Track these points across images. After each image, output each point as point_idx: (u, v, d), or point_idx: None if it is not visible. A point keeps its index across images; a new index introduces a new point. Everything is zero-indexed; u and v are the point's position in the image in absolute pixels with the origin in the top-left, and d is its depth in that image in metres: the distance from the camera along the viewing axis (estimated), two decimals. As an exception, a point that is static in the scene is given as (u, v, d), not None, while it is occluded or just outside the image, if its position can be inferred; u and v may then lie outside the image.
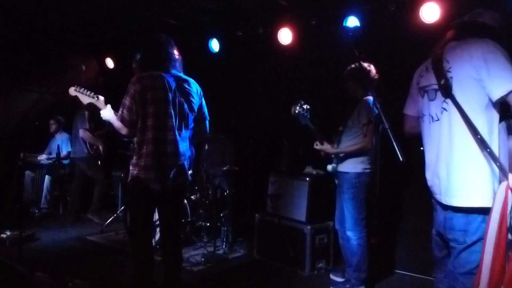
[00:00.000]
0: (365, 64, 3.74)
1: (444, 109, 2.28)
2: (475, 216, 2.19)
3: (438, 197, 2.36)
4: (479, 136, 2.11)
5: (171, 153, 3.11)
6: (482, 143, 2.11)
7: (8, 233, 5.08)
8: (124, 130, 3.10)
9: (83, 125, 6.49)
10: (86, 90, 3.23)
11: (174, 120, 3.11)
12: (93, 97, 3.21)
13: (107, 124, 3.21)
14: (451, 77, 2.24)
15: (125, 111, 3.04)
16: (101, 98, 3.21)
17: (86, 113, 6.48)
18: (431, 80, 2.38)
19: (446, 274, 2.43)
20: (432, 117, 2.37)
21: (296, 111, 3.78)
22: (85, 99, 3.23)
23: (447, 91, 2.24)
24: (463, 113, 2.17)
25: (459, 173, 2.22)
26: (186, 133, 3.24)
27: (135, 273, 3.15)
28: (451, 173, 2.24)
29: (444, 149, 2.28)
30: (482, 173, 2.17)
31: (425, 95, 2.43)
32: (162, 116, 3.08)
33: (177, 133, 3.13)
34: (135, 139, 3.14)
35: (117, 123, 3.10)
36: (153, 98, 3.04)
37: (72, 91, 3.25)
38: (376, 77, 3.86)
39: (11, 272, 3.90)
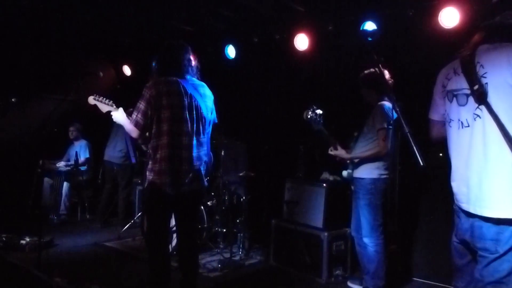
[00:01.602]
0: (379, 70, 3.72)
1: (478, 115, 2.17)
2: (507, 225, 2.11)
3: (464, 205, 2.26)
4: None
5: (186, 158, 3.11)
6: None
7: (28, 239, 5.14)
8: (135, 133, 3.11)
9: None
10: (104, 99, 3.29)
11: (189, 125, 3.12)
12: (112, 106, 3.26)
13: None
14: (486, 83, 2.13)
15: (139, 115, 3.05)
16: (120, 109, 3.25)
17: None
18: (462, 84, 2.26)
19: (467, 283, 2.36)
20: (462, 123, 2.26)
21: (309, 116, 3.78)
22: (104, 107, 3.28)
23: (481, 98, 2.13)
24: (499, 122, 2.07)
25: (493, 183, 2.12)
26: (203, 138, 3.24)
27: (151, 279, 3.15)
28: (484, 182, 2.15)
29: (476, 157, 2.18)
30: None
31: (454, 99, 2.31)
32: (177, 121, 3.08)
33: (193, 138, 3.14)
34: (150, 144, 3.16)
35: (128, 126, 3.11)
36: (168, 103, 3.05)
37: (91, 100, 3.31)
38: (390, 81, 3.82)
39: (31, 278, 3.94)
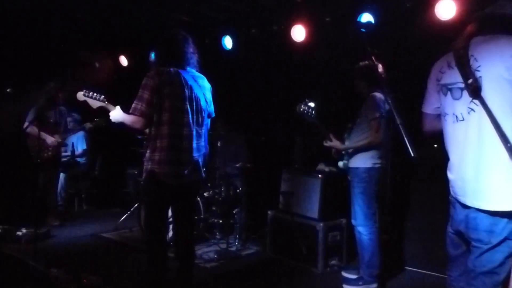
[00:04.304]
0: (372, 62, 3.73)
1: (472, 109, 2.16)
2: (501, 217, 2.12)
3: (461, 198, 2.26)
4: (509, 145, 2.02)
5: (186, 148, 3.11)
6: (511, 151, 2.02)
7: (24, 230, 5.15)
8: (140, 124, 3.03)
9: (29, 118, 5.67)
10: (95, 94, 3.20)
11: (189, 116, 3.12)
12: (104, 101, 3.20)
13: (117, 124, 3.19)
14: (480, 77, 2.11)
15: (144, 105, 2.99)
16: (117, 107, 3.18)
17: (42, 104, 5.78)
18: (456, 78, 2.23)
19: (461, 272, 2.38)
20: (456, 117, 2.24)
21: (301, 109, 3.87)
22: (95, 103, 3.21)
23: (476, 92, 2.10)
24: (493, 116, 2.06)
25: (489, 176, 2.12)
26: (201, 129, 3.26)
27: (148, 269, 3.17)
28: (480, 176, 2.14)
29: (471, 151, 2.17)
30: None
31: (448, 93, 2.29)
32: (178, 111, 3.08)
33: (193, 129, 3.15)
34: (149, 134, 3.15)
35: (130, 118, 3.04)
36: (170, 93, 3.05)
37: (81, 96, 3.21)
38: (383, 74, 3.83)
39: (27, 269, 3.95)
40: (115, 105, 3.22)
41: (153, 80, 3.03)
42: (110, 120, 3.19)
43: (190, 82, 3.17)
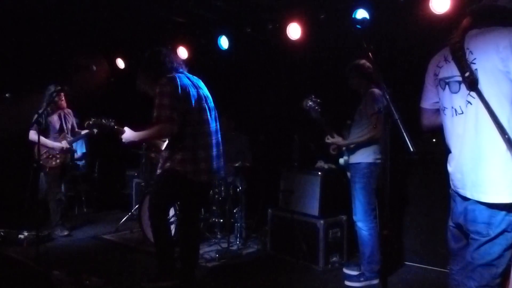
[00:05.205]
0: (369, 58, 3.75)
1: (469, 102, 2.17)
2: (499, 209, 2.13)
3: (461, 191, 2.28)
4: (506, 136, 2.04)
5: (208, 145, 3.24)
6: (509, 142, 2.04)
7: (26, 233, 5.17)
8: (167, 129, 3.06)
9: (32, 125, 5.28)
10: (103, 121, 3.25)
11: (208, 114, 3.26)
12: (113, 127, 3.24)
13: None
14: (476, 69, 2.13)
15: (167, 110, 3.03)
16: (126, 128, 3.27)
17: (43, 109, 5.31)
18: (453, 72, 2.26)
19: (463, 266, 2.38)
20: (455, 110, 2.26)
21: (308, 105, 3.87)
22: (105, 129, 3.29)
23: (472, 85, 2.12)
24: (490, 108, 2.08)
25: (487, 168, 2.13)
26: (217, 125, 3.38)
27: (161, 267, 3.22)
28: (478, 168, 2.16)
29: (469, 143, 2.19)
30: (510, 169, 2.09)
31: (447, 87, 2.31)
32: (198, 110, 3.19)
33: (212, 126, 3.28)
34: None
35: (156, 128, 3.08)
36: (187, 95, 3.13)
37: (90, 126, 3.30)
38: (379, 70, 3.85)
39: (29, 272, 3.95)
40: (119, 122, 3.31)
41: (169, 86, 3.08)
42: (123, 142, 3.27)
43: (199, 84, 3.33)
